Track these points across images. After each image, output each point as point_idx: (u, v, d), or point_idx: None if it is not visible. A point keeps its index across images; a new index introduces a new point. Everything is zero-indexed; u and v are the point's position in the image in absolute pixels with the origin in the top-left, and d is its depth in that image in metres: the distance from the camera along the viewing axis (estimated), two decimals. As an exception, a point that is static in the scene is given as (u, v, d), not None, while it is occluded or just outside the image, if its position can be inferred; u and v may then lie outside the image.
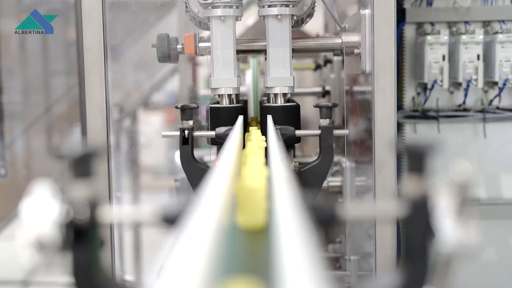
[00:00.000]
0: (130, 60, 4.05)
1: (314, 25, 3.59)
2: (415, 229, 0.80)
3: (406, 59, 2.62)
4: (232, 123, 1.79)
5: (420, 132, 2.60)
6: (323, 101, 3.09)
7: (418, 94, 2.61)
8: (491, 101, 2.58)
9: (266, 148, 1.35)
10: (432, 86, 2.53)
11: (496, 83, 2.54)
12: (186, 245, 0.60)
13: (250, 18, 3.74)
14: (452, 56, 2.53)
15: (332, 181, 2.63)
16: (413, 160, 0.81)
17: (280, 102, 1.95)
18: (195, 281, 0.53)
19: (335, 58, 3.09)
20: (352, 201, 2.41)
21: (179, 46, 2.03)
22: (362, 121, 2.12)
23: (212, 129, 1.88)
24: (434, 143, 0.81)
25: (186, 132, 1.82)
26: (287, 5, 1.92)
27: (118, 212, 0.84)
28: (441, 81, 2.52)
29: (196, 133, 1.85)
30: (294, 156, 2.01)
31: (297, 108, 1.94)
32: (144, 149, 5.87)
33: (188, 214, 0.78)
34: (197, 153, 1.91)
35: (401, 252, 0.77)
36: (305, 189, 1.77)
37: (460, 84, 2.54)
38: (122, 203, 3.74)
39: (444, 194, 0.79)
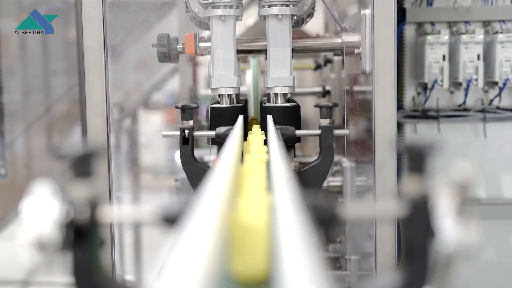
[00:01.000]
0: (130, 60, 4.05)
1: (314, 25, 3.59)
2: (416, 229, 0.80)
3: (407, 59, 2.62)
4: (232, 123, 1.79)
5: (420, 132, 2.60)
6: (323, 101, 3.09)
7: (418, 94, 2.61)
8: (491, 101, 2.58)
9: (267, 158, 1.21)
10: (432, 86, 2.53)
11: (496, 83, 2.54)
12: (186, 245, 0.60)
13: (250, 18, 3.74)
14: (452, 56, 2.53)
15: (332, 181, 2.62)
16: (413, 160, 0.81)
17: (280, 102, 1.95)
18: (195, 281, 0.53)
19: (336, 58, 3.09)
20: (352, 201, 2.41)
21: (179, 46, 2.03)
22: (362, 121, 2.12)
23: (213, 129, 1.88)
24: (434, 143, 0.81)
25: (186, 132, 1.82)
26: (287, 5, 1.92)
27: (118, 212, 0.84)
28: (441, 81, 2.52)
29: (196, 133, 1.85)
30: (295, 156, 2.01)
31: (297, 108, 1.94)
32: (144, 149, 5.87)
33: (188, 214, 0.78)
34: (197, 153, 1.91)
35: (401, 252, 0.76)
36: (305, 189, 1.77)
37: (460, 84, 2.54)
38: (122, 203, 3.74)
39: (444, 194, 0.79)
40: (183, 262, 0.56)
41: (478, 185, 2.55)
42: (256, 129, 1.79)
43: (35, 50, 4.05)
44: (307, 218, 0.75)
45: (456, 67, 2.51)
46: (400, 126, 2.60)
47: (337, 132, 1.86)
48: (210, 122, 1.93)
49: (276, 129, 1.75)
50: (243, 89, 2.74)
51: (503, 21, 2.54)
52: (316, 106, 1.89)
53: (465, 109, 2.60)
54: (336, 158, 2.60)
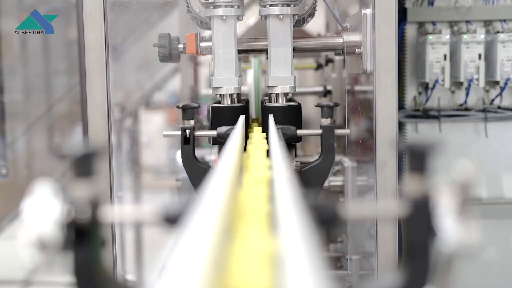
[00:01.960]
0: (131, 59, 4.05)
1: (315, 25, 3.58)
2: (417, 228, 0.80)
3: (408, 59, 2.62)
4: (233, 122, 1.79)
5: (421, 132, 2.60)
6: (325, 101, 3.09)
7: (420, 93, 2.61)
8: (493, 100, 2.58)
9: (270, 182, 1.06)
10: (434, 86, 2.53)
11: (497, 83, 2.53)
12: (187, 245, 0.60)
13: (251, 17, 3.74)
14: (454, 56, 2.53)
15: (333, 181, 2.62)
16: (415, 159, 0.81)
17: (281, 101, 1.95)
18: (196, 280, 0.53)
19: (337, 58, 3.09)
20: (354, 200, 2.41)
21: (180, 46, 2.03)
22: (364, 121, 2.12)
23: (214, 128, 1.88)
24: (435, 142, 0.81)
25: (188, 131, 1.82)
26: (288, 5, 1.92)
27: (119, 212, 0.84)
28: (443, 80, 2.52)
29: (198, 133, 1.85)
30: (296, 156, 2.01)
31: (298, 107, 1.94)
32: (146, 149, 5.87)
33: (189, 213, 0.78)
34: (198, 152, 1.91)
35: (402, 252, 0.76)
36: (307, 189, 1.77)
37: (461, 83, 2.54)
38: (124, 202, 3.74)
39: (446, 194, 0.79)
40: (184, 262, 0.55)
41: (479, 185, 2.55)
42: (257, 129, 1.79)
43: (36, 49, 4.05)
44: (308, 218, 0.75)
45: (457, 67, 2.51)
46: (401, 126, 2.60)
47: (338, 131, 1.86)
48: (211, 121, 1.93)
49: (277, 128, 1.75)
50: (244, 88, 2.74)
51: (504, 20, 2.54)
52: (317, 105, 1.89)
53: (466, 109, 2.59)
54: (337, 157, 2.60)
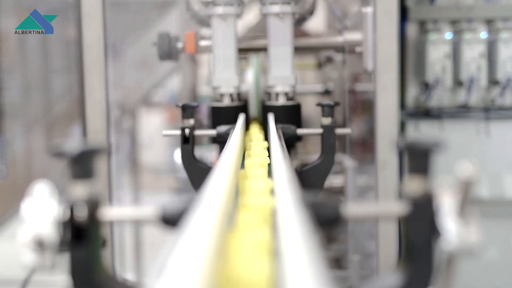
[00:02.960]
0: (130, 58, 4.04)
1: (316, 24, 3.58)
2: (418, 228, 0.79)
3: (409, 57, 2.61)
4: (233, 121, 1.78)
5: (422, 131, 2.59)
6: (325, 100, 3.08)
7: (421, 92, 2.60)
8: (494, 99, 2.57)
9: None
10: (435, 85, 2.52)
11: (499, 82, 2.53)
12: (187, 245, 0.59)
13: (251, 16, 3.73)
14: (455, 55, 2.52)
15: (334, 180, 2.62)
16: (416, 159, 0.80)
17: (281, 100, 1.94)
18: (196, 280, 0.52)
19: (337, 57, 3.08)
20: (354, 200, 2.40)
21: (180, 45, 2.02)
22: (364, 120, 2.11)
23: (213, 128, 1.87)
24: (436, 141, 0.80)
25: (187, 131, 1.81)
26: (288, 3, 1.91)
27: (118, 212, 0.84)
28: (444, 79, 2.51)
29: (197, 132, 1.84)
30: (296, 155, 2.00)
31: (298, 106, 1.94)
32: (145, 148, 5.86)
33: (189, 213, 0.77)
34: (198, 152, 1.90)
35: (402, 252, 0.76)
36: (307, 189, 1.76)
37: (463, 82, 2.53)
38: (123, 202, 3.73)
39: (447, 193, 0.78)
40: (183, 262, 0.55)
41: (481, 184, 2.54)
42: (257, 128, 1.78)
43: (34, 49, 4.04)
44: (309, 219, 0.75)
45: (459, 66, 2.51)
46: (402, 125, 2.60)
47: (339, 131, 1.85)
48: (211, 121, 1.92)
49: (277, 128, 1.74)
50: (244, 87, 2.73)
51: (506, 19, 2.53)
52: (318, 104, 1.88)
53: (468, 108, 2.59)
54: (338, 157, 2.59)
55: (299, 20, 2.06)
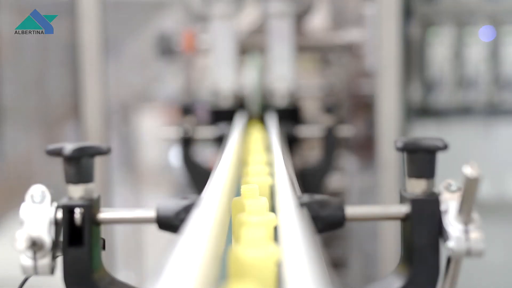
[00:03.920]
0: (129, 58, 4.04)
1: (317, 23, 3.57)
2: (420, 230, 0.78)
3: (411, 56, 2.60)
4: (232, 122, 1.78)
5: (425, 131, 2.58)
6: (326, 100, 3.08)
7: (423, 92, 2.59)
8: (498, 100, 2.57)
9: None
10: (438, 84, 2.52)
11: (503, 82, 2.53)
12: (185, 246, 0.58)
13: (251, 15, 3.73)
14: (459, 54, 2.52)
15: (335, 181, 2.61)
16: (418, 159, 0.79)
17: (282, 101, 1.94)
18: (195, 282, 0.50)
19: (339, 57, 3.08)
20: (356, 201, 2.39)
21: (178, 44, 2.02)
22: (366, 120, 2.10)
23: (212, 128, 1.87)
24: (439, 141, 0.79)
25: (186, 131, 1.80)
26: (288, 2, 1.91)
27: (117, 213, 0.82)
28: (447, 78, 2.51)
29: (196, 132, 1.83)
30: (296, 156, 1.99)
31: (299, 107, 1.94)
32: (143, 149, 5.86)
33: (187, 215, 0.77)
34: (196, 153, 1.89)
35: (404, 254, 0.75)
36: (307, 190, 1.74)
37: (466, 82, 2.53)
38: (121, 203, 3.72)
39: (450, 194, 0.77)
40: (182, 263, 0.53)
41: (485, 185, 2.53)
42: (256, 128, 1.76)
43: (31, 48, 4.03)
44: (309, 219, 0.74)
45: (463, 65, 2.51)
46: (404, 125, 2.58)
47: (340, 131, 1.85)
48: (210, 121, 1.92)
49: (278, 128, 1.73)
50: (244, 87, 2.73)
51: (511, 18, 2.53)
52: (319, 105, 1.87)
53: (472, 108, 2.58)
54: (339, 157, 2.58)
55: (300, 19, 2.06)
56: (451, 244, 0.75)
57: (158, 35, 2.02)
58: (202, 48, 2.03)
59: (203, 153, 2.62)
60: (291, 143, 1.88)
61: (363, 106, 2.12)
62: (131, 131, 4.14)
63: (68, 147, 0.79)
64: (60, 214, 0.77)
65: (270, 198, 0.86)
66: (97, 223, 0.79)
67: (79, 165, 0.79)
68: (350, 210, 0.80)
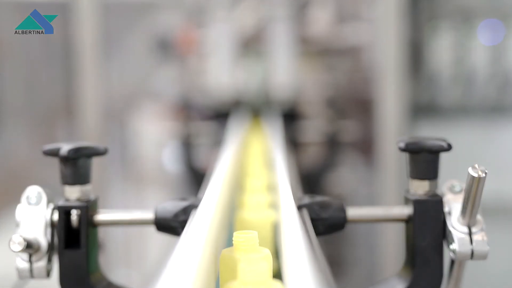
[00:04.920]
0: (127, 58, 4.04)
1: (317, 23, 3.57)
2: (423, 232, 0.77)
3: (413, 56, 2.60)
4: (232, 123, 1.78)
5: (427, 131, 2.58)
6: (327, 101, 3.09)
7: (425, 91, 2.60)
8: (503, 98, 2.57)
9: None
10: (440, 84, 2.52)
11: (506, 81, 2.53)
12: (184, 248, 0.57)
13: (251, 16, 3.73)
14: (461, 53, 2.52)
15: (335, 183, 2.61)
16: (420, 160, 0.78)
17: (282, 102, 1.94)
18: (193, 284, 0.50)
19: (339, 57, 3.09)
20: (357, 203, 2.39)
21: (178, 44, 2.03)
22: (367, 120, 2.11)
23: (212, 129, 1.88)
24: (441, 142, 0.78)
25: (185, 133, 1.81)
26: (289, 3, 1.91)
27: (114, 215, 0.82)
28: (449, 78, 2.51)
29: (196, 134, 1.84)
30: (298, 158, 1.99)
31: (300, 108, 1.94)
32: (141, 150, 5.86)
33: (186, 216, 0.76)
34: (196, 154, 1.89)
35: (407, 256, 0.75)
36: (309, 192, 1.74)
37: (468, 81, 2.53)
38: (118, 205, 3.72)
39: (453, 196, 0.76)
40: (181, 266, 0.52)
41: (488, 186, 2.52)
42: (257, 130, 1.76)
43: (30, 47, 4.03)
44: (310, 219, 0.74)
45: (465, 65, 2.51)
46: (405, 125, 2.59)
47: (341, 132, 1.86)
48: (210, 122, 1.92)
49: (279, 130, 1.73)
50: (244, 88, 2.74)
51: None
52: (320, 105, 1.88)
53: (474, 108, 2.58)
54: (340, 158, 2.59)
55: (300, 18, 2.06)
56: (455, 246, 0.74)
57: (157, 35, 2.02)
58: (202, 48, 2.03)
59: (201, 154, 2.62)
60: (293, 146, 1.88)
61: (364, 105, 2.13)
62: (128, 131, 4.14)
63: (65, 148, 0.78)
64: (56, 216, 0.77)
65: (274, 250, 0.71)
66: (94, 225, 0.78)
67: (76, 166, 0.78)
68: (352, 212, 0.80)
